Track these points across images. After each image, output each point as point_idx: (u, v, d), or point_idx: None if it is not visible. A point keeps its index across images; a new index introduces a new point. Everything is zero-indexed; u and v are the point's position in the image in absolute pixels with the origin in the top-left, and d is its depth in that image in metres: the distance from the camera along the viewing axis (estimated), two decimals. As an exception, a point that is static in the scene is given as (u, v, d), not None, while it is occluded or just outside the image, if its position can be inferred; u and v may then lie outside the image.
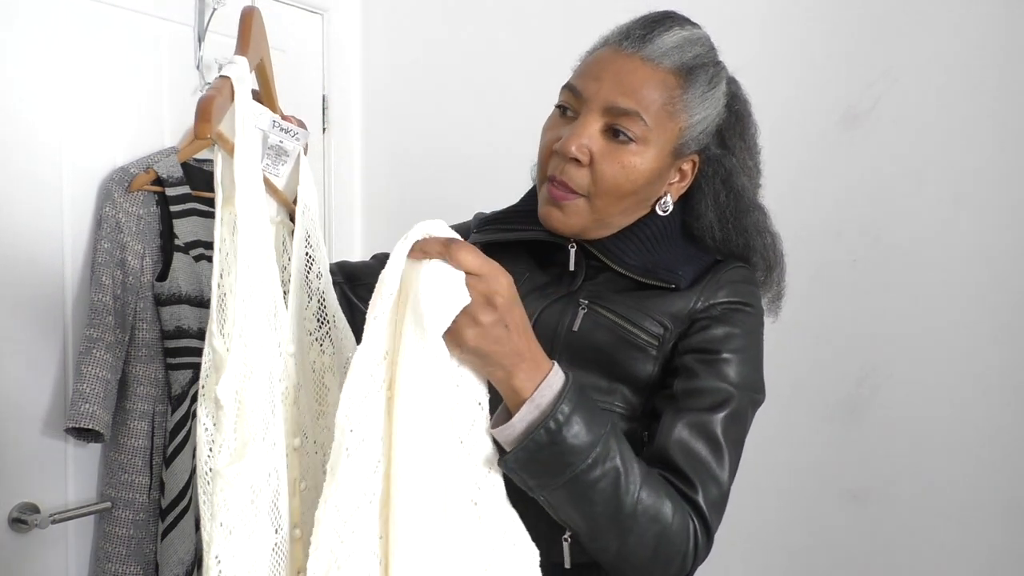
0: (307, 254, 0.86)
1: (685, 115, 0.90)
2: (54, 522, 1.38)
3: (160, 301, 1.46)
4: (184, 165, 1.53)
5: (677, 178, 0.95)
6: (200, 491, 0.68)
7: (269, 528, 0.71)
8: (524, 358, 0.74)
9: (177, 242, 1.49)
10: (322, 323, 0.87)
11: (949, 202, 1.34)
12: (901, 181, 1.38)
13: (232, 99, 0.70)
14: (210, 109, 0.65)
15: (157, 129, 1.57)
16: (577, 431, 0.73)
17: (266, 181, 0.82)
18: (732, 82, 0.97)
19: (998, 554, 1.31)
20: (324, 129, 1.95)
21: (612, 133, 0.88)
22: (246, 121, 0.71)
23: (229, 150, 0.70)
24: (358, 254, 2.02)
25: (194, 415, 1.49)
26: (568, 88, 0.92)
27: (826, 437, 1.44)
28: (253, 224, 0.70)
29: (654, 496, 0.77)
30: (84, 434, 1.37)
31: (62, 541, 1.44)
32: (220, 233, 0.69)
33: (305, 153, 0.90)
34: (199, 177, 1.57)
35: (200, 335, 1.50)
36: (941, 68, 1.35)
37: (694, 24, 0.93)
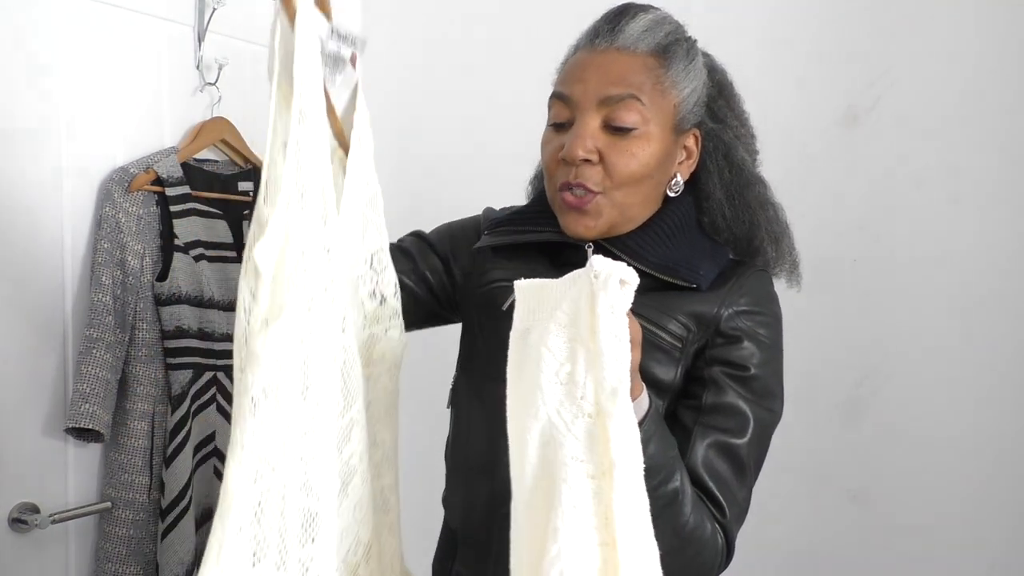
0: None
1: (675, 91, 0.91)
2: (54, 522, 1.37)
3: (160, 301, 1.46)
4: (184, 165, 1.53)
5: (684, 156, 0.96)
6: (235, 368, 0.67)
7: (338, 400, 0.73)
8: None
9: (177, 242, 1.49)
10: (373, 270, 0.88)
11: (949, 202, 1.34)
12: (901, 181, 1.38)
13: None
14: None
15: (157, 129, 1.57)
16: (653, 452, 0.78)
17: (326, 98, 0.78)
18: (705, 55, 0.99)
19: (998, 554, 1.31)
20: (324, 129, 1.95)
21: (612, 129, 0.89)
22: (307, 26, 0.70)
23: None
24: (358, 254, 2.02)
25: (195, 413, 1.49)
26: (556, 97, 0.94)
27: (826, 437, 1.44)
28: (318, 114, 0.71)
29: (699, 518, 0.84)
30: (84, 434, 1.37)
31: (62, 541, 1.44)
32: (278, 123, 0.70)
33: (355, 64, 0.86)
34: (199, 177, 1.57)
35: (200, 335, 1.50)
36: (941, 68, 1.35)
37: (655, 7, 0.95)
